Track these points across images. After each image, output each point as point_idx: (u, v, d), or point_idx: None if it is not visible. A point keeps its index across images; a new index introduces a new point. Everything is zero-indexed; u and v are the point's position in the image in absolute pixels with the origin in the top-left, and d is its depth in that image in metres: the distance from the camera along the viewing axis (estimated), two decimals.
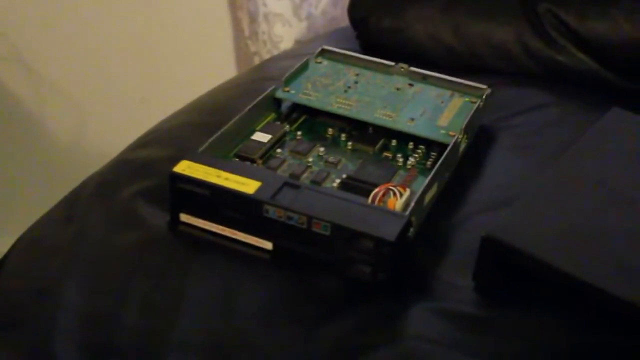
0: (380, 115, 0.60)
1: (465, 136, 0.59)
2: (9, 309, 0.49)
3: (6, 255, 0.54)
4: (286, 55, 0.83)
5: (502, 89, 0.68)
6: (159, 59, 1.11)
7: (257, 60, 1.06)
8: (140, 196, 0.55)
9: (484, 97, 0.62)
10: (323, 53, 0.67)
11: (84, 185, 0.59)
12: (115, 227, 0.53)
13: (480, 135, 0.63)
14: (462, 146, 0.59)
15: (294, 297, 0.48)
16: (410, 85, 0.64)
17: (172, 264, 0.50)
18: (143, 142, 0.64)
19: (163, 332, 0.46)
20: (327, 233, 0.48)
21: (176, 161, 0.51)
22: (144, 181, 0.57)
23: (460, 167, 0.59)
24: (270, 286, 0.49)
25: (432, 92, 0.63)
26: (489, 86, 0.63)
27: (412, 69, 0.65)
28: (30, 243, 0.54)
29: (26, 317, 0.48)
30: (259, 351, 0.45)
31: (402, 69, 0.65)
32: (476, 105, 0.61)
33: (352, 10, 0.79)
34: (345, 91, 0.62)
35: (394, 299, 0.48)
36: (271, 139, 0.57)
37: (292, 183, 0.50)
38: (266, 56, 1.04)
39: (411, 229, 0.49)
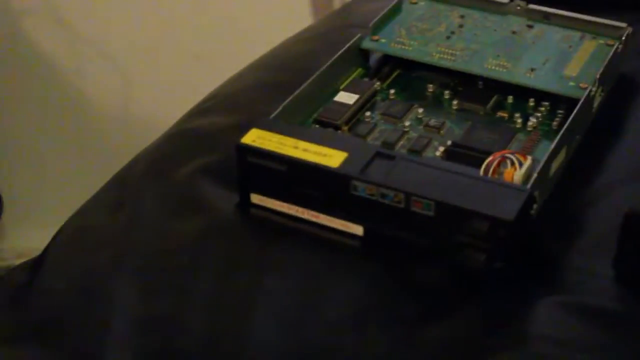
0: (492, 66, 0.59)
1: (600, 88, 0.58)
2: (52, 310, 0.50)
3: (47, 248, 0.55)
4: None
5: None
6: (215, 6, 1.11)
7: (337, 4, 1.06)
8: (202, 174, 0.56)
9: (623, 38, 0.61)
10: None
11: (134, 162, 0.60)
12: (174, 212, 0.54)
13: (620, 87, 0.62)
14: (597, 101, 0.59)
15: (391, 293, 0.48)
16: (530, 27, 0.63)
17: (242, 254, 0.51)
18: (202, 109, 0.65)
19: (234, 337, 0.46)
20: (431, 213, 0.48)
21: (244, 130, 0.52)
22: (205, 156, 0.58)
23: (595, 128, 0.58)
24: (362, 280, 0.49)
25: (557, 34, 0.62)
26: (630, 24, 0.62)
27: (531, 6, 0.64)
28: (74, 234, 0.56)
29: (72, 320, 0.49)
30: (351, 358, 0.45)
31: (519, 7, 0.64)
32: (613, 49, 0.60)
33: None
34: (448, 37, 0.62)
35: (514, 291, 0.48)
36: (358, 99, 0.58)
37: (385, 153, 0.50)
38: None
39: (534, 206, 0.49)
